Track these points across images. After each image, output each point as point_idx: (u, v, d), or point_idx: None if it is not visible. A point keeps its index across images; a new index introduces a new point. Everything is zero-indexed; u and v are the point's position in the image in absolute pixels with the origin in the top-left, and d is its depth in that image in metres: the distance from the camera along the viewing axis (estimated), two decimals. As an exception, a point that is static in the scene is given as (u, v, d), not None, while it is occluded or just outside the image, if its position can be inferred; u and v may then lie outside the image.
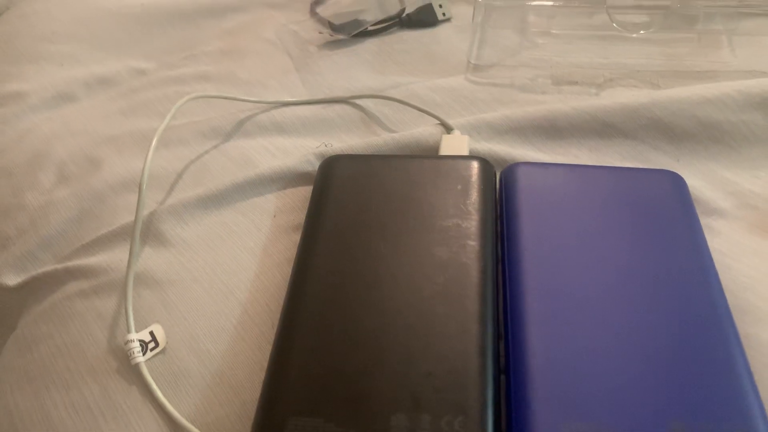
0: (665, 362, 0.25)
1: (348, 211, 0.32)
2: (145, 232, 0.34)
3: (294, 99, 0.42)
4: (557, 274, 0.28)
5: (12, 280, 0.34)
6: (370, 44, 0.48)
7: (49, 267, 0.34)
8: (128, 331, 0.29)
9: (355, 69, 0.46)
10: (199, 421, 0.27)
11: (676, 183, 0.33)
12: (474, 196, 0.32)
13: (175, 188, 0.36)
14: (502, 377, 0.27)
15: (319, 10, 0.53)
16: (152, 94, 0.44)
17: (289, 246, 0.33)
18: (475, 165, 0.34)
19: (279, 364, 0.26)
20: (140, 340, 0.29)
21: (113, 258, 0.33)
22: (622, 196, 0.32)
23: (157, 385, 0.28)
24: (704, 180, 0.36)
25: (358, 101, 0.42)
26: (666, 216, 0.31)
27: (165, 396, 0.28)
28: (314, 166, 0.36)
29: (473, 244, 0.30)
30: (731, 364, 0.25)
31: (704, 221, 0.34)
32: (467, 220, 0.31)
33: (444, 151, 0.36)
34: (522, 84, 0.43)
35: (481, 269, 0.29)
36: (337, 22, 0.49)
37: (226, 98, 0.40)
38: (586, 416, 0.24)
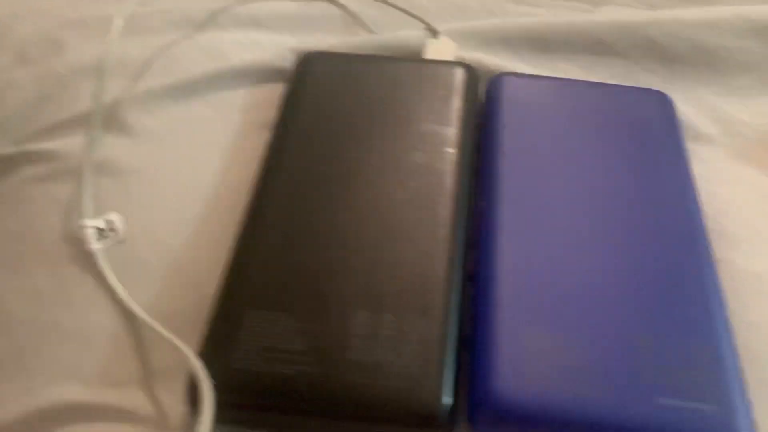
0: (636, 278, 0.25)
1: (323, 110, 0.30)
2: (109, 119, 0.32)
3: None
4: (533, 187, 0.28)
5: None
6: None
7: (3, 150, 0.32)
8: (83, 217, 0.28)
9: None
10: (155, 312, 0.26)
11: (665, 104, 0.32)
12: (455, 103, 0.31)
13: (143, 77, 0.34)
14: (470, 284, 0.26)
15: None
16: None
17: (258, 144, 0.31)
18: (459, 71, 0.32)
19: (241, 257, 0.25)
20: (96, 227, 0.27)
21: (73, 143, 0.31)
22: (608, 113, 0.31)
23: (112, 273, 0.27)
24: (693, 105, 0.35)
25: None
26: (651, 136, 0.30)
27: (122, 284, 0.26)
28: (289, 62, 0.35)
29: (451, 151, 0.29)
30: (702, 285, 0.25)
31: (690, 146, 0.33)
32: (446, 127, 0.30)
33: (429, 56, 0.35)
34: (515, -5, 0.41)
35: (457, 177, 0.28)
36: None
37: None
38: (548, 324, 0.23)
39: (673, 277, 0.25)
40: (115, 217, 0.28)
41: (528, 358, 0.22)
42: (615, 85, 0.32)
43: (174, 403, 0.24)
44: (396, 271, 0.25)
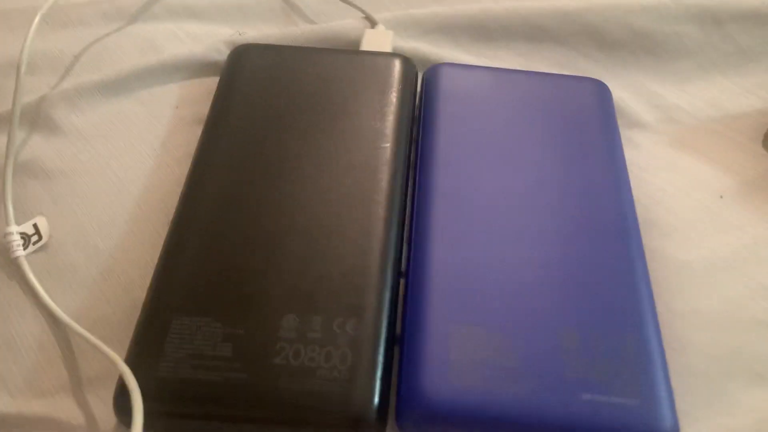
0: (564, 271, 0.25)
1: (255, 105, 0.30)
2: (34, 118, 0.31)
3: (209, -18, 0.38)
4: (467, 181, 0.27)
5: None
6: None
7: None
8: (8, 224, 0.27)
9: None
10: (83, 318, 0.25)
11: (601, 92, 0.32)
12: (391, 96, 0.31)
13: (71, 72, 0.33)
14: (403, 281, 0.26)
15: None
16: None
17: (190, 139, 0.31)
18: (395, 63, 0.32)
19: (168, 261, 0.25)
20: (22, 233, 0.27)
21: (-3, 145, 0.30)
22: (544, 103, 0.31)
23: (39, 280, 0.26)
24: (631, 91, 0.35)
25: (279, -12, 0.39)
26: (585, 125, 0.30)
27: (49, 292, 0.26)
28: (224, 55, 0.34)
29: (385, 146, 0.29)
30: (629, 276, 0.25)
31: (626, 134, 0.33)
32: (381, 121, 0.29)
33: (365, 46, 0.34)
34: (457, -19, 0.41)
35: (391, 172, 0.28)
36: None
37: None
38: (479, 320, 0.23)
39: (601, 270, 0.25)
40: (40, 221, 0.27)
41: (455, 357, 0.22)
42: (551, 74, 0.32)
43: (104, 412, 0.23)
44: (326, 271, 0.24)
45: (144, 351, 0.23)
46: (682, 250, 0.28)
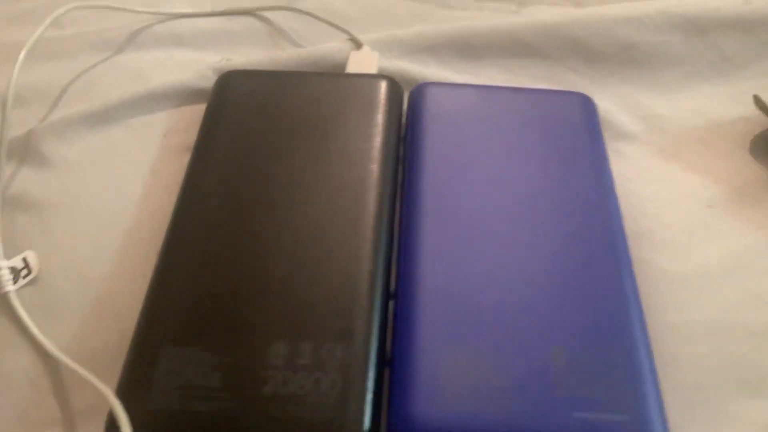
0: (553, 288, 0.25)
1: (242, 130, 0.30)
2: (24, 151, 0.31)
3: (194, 10, 0.39)
4: (454, 200, 0.28)
5: None
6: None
7: None
8: (-2, 258, 0.27)
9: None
10: (75, 351, 0.25)
11: (586, 106, 0.32)
12: (377, 117, 0.31)
13: (59, 104, 0.34)
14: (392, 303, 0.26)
15: None
16: (41, 1, 0.40)
17: (179, 167, 0.31)
18: (381, 85, 0.32)
19: (156, 292, 0.25)
20: (11, 268, 0.27)
21: (-14, 180, 0.30)
22: (529, 119, 0.31)
23: (30, 314, 0.26)
24: (617, 103, 0.35)
25: (265, 13, 0.39)
26: (571, 140, 0.30)
27: (40, 325, 0.26)
28: (211, 82, 0.34)
29: (373, 167, 0.29)
30: (619, 291, 0.25)
31: (613, 146, 0.33)
32: (368, 143, 0.30)
33: (351, 68, 0.34)
34: (442, -1, 0.41)
35: (379, 194, 0.28)
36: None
37: (113, 8, 0.36)
38: (469, 341, 0.23)
39: (590, 286, 0.25)
40: (30, 255, 0.27)
41: (445, 378, 0.22)
42: (536, 89, 0.32)
43: (96, 444, 0.23)
44: (315, 296, 0.24)
45: (134, 383, 0.23)
46: (672, 262, 0.28)
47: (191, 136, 0.32)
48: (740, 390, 0.24)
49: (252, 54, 0.37)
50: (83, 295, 0.27)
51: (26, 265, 0.27)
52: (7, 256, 0.27)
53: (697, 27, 0.36)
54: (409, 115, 0.32)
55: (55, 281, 0.27)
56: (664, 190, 0.31)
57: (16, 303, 0.26)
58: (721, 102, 0.35)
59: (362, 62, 0.34)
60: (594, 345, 0.23)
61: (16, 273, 0.27)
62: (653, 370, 0.23)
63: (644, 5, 0.37)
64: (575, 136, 0.30)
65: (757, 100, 0.33)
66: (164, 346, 0.23)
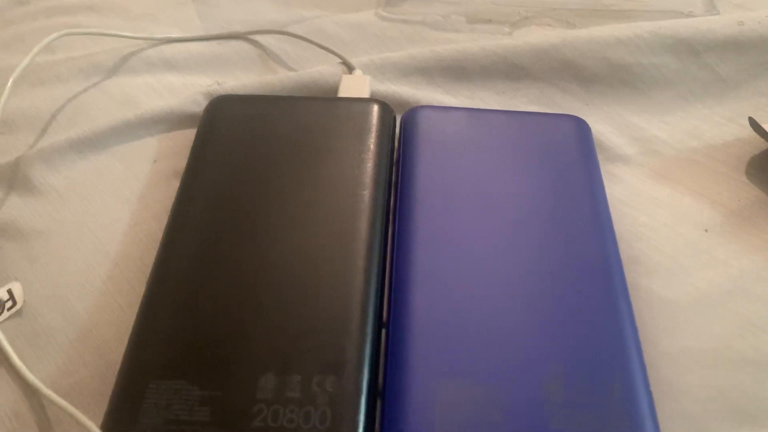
0: (548, 316, 0.24)
1: (232, 156, 0.30)
2: (12, 178, 0.31)
3: (186, 35, 0.39)
4: (447, 226, 0.27)
5: None
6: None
7: None
8: (-19, 290, 0.26)
9: (257, 0, 0.42)
10: (60, 383, 0.25)
11: (580, 129, 0.32)
12: (369, 142, 0.30)
13: (48, 130, 0.33)
14: (384, 333, 0.25)
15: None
16: (31, 26, 0.40)
17: (168, 194, 0.31)
18: (373, 108, 0.32)
19: (143, 323, 0.24)
20: (-4, 299, 0.26)
21: (-28, 208, 0.30)
22: (523, 142, 0.31)
23: (14, 347, 0.25)
24: (611, 125, 0.35)
25: (256, 37, 0.39)
26: (565, 164, 0.30)
27: (24, 357, 0.25)
28: (202, 106, 0.34)
29: (364, 194, 0.28)
30: (614, 319, 0.24)
31: (607, 168, 0.33)
32: (360, 168, 0.29)
33: (343, 92, 0.34)
34: (434, 21, 0.41)
35: (370, 221, 0.27)
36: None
37: (104, 35, 0.36)
38: (463, 372, 0.23)
39: (585, 314, 0.24)
40: (14, 286, 0.27)
41: (439, 410, 0.22)
42: (529, 112, 0.32)
43: (81, 481, 0.23)
44: (304, 328, 0.24)
45: (120, 417, 0.22)
46: (667, 288, 0.27)
47: (181, 162, 0.32)
48: (738, 420, 0.24)
49: (244, 78, 0.37)
50: (69, 326, 0.26)
51: (11, 297, 0.26)
52: (-8, 287, 0.27)
53: (690, 48, 0.36)
54: (401, 138, 0.32)
55: (40, 312, 0.27)
56: (659, 213, 0.31)
57: (0, 336, 0.25)
58: (715, 123, 0.35)
59: (354, 86, 0.34)
60: (590, 376, 0.23)
61: (0, 305, 0.26)
62: (650, 401, 0.22)
63: (636, 27, 0.37)
64: (569, 159, 0.30)
65: (753, 123, 0.33)
66: (151, 379, 0.23)
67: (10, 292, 0.27)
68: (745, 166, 0.33)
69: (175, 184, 0.31)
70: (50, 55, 0.37)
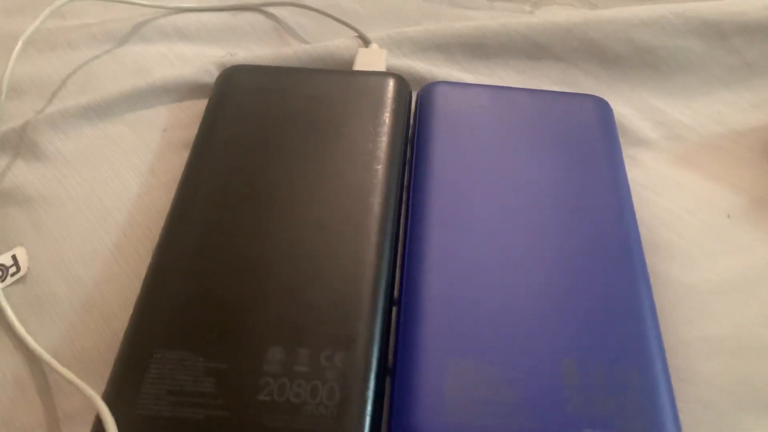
0: (565, 299, 0.23)
1: (244, 127, 0.29)
2: (18, 143, 0.30)
3: (199, 4, 0.38)
4: (462, 203, 0.26)
5: None
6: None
7: None
8: (-15, 255, 0.26)
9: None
10: (63, 351, 0.24)
11: (602, 109, 0.31)
12: (384, 116, 0.30)
13: (58, 96, 0.33)
14: (396, 309, 0.25)
15: None
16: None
17: (178, 164, 0.30)
18: (388, 83, 0.31)
19: (150, 292, 0.24)
20: (0, 264, 0.26)
21: (-21, 172, 0.29)
22: (542, 122, 0.30)
23: (17, 313, 0.25)
24: (634, 108, 0.34)
25: (271, 9, 0.38)
26: (586, 145, 0.29)
27: (28, 324, 0.25)
28: (214, 77, 0.33)
29: (378, 168, 0.28)
30: (634, 304, 0.24)
31: (629, 152, 0.32)
32: (374, 143, 0.28)
33: (359, 66, 0.33)
34: (453, -2, 0.40)
35: (384, 196, 0.27)
36: None
37: (115, 1, 0.35)
38: (475, 351, 0.22)
39: (603, 297, 0.24)
40: (19, 252, 0.26)
41: (449, 390, 0.21)
42: (550, 91, 0.31)
43: (82, 450, 0.22)
44: (315, 301, 0.23)
45: (122, 387, 0.22)
46: (688, 274, 0.27)
47: (192, 132, 0.31)
48: (760, 409, 0.23)
49: (257, 50, 0.36)
50: (74, 294, 0.26)
51: (15, 263, 0.26)
52: (-3, 252, 0.26)
53: (718, 31, 0.35)
54: (417, 115, 0.31)
55: (45, 279, 0.26)
56: (681, 198, 0.30)
57: (3, 301, 0.25)
58: (741, 109, 0.34)
59: (370, 60, 0.33)
60: (607, 359, 0.22)
61: (4, 270, 0.26)
62: (669, 387, 0.22)
63: (662, 8, 0.36)
64: (590, 141, 0.29)
65: (780, 108, 0.32)
66: (156, 348, 0.22)
67: (14, 257, 0.26)
68: (770, 153, 0.32)
69: (185, 154, 0.30)
70: (62, 21, 0.36)
